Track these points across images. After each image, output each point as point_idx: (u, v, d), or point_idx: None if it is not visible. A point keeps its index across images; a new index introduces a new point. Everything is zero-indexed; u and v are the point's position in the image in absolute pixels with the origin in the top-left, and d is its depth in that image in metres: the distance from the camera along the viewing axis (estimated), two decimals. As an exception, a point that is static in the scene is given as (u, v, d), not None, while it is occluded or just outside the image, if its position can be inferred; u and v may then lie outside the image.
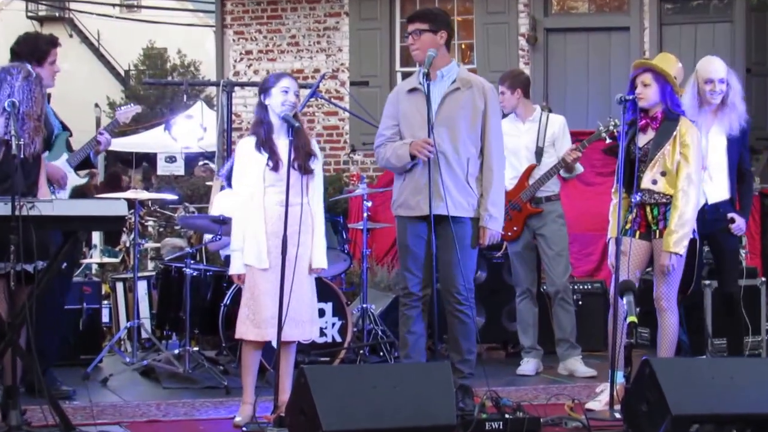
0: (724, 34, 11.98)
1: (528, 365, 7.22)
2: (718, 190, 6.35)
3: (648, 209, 5.87)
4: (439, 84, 5.74)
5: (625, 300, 5.40)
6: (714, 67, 6.29)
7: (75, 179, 6.46)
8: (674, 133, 5.81)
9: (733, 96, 6.30)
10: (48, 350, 6.19)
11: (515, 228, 7.19)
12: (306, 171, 5.53)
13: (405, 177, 5.76)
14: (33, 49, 6.31)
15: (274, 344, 5.40)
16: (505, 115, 7.37)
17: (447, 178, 5.62)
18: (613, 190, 6.06)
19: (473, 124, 5.71)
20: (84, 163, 6.55)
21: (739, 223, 6.39)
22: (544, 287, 7.50)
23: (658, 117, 5.81)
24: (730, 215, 6.36)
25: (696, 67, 6.34)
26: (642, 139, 5.91)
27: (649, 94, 5.83)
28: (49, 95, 6.51)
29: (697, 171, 5.84)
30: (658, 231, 5.85)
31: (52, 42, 6.49)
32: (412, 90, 5.76)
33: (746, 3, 11.85)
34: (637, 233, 5.89)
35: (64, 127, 6.54)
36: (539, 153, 7.18)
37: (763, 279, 7.67)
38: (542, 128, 7.19)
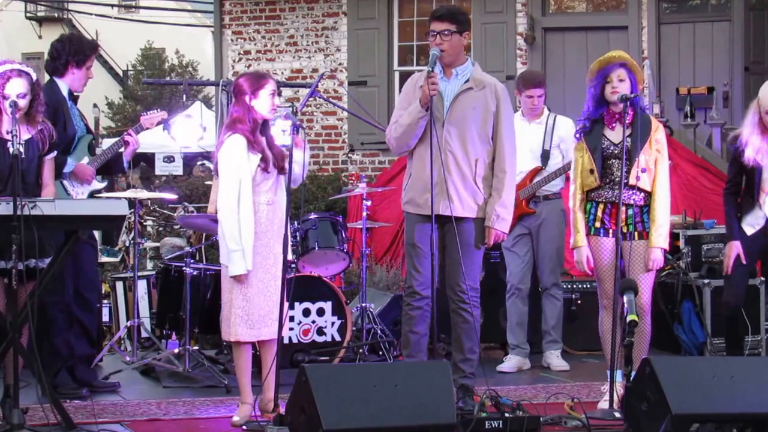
0: (722, 32, 12.00)
1: (509, 362, 7.25)
2: None
3: (623, 209, 5.78)
4: (453, 82, 5.72)
5: (625, 299, 5.39)
6: None
7: (94, 184, 6.35)
8: (650, 130, 5.81)
9: None
10: (60, 349, 6.20)
11: None
12: (283, 170, 5.53)
13: (412, 173, 5.72)
14: (77, 51, 6.30)
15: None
16: None
17: (456, 178, 5.60)
18: (577, 190, 5.94)
19: (484, 124, 5.68)
20: (107, 168, 6.46)
21: None
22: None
23: (630, 113, 5.78)
24: None
25: (759, 96, 6.02)
26: (612, 135, 5.85)
27: (624, 88, 5.83)
28: (77, 97, 6.50)
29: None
30: (637, 233, 5.82)
31: (95, 48, 6.50)
32: None
33: (744, 1, 11.87)
34: (611, 232, 5.82)
35: (89, 130, 6.49)
36: (545, 156, 7.20)
37: (763, 278, 7.66)
38: (549, 130, 7.22)
